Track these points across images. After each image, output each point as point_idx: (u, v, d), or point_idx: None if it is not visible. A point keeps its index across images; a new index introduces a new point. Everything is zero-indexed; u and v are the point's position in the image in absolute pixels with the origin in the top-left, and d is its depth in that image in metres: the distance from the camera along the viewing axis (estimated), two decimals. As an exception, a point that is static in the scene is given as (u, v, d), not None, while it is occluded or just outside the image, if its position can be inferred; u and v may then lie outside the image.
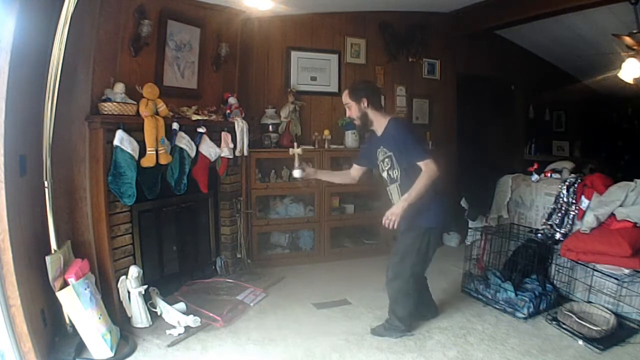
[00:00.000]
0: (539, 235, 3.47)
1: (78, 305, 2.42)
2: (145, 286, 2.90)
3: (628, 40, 3.80)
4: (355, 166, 3.02)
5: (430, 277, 3.06)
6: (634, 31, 3.75)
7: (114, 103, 2.82)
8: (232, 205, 3.94)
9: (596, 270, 3.03)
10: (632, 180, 3.16)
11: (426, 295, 3.04)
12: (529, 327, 2.93)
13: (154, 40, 3.22)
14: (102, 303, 2.60)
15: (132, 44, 3.07)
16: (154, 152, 2.96)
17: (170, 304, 2.94)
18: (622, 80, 4.24)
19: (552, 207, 3.51)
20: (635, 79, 4.14)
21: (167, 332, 2.77)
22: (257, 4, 3.51)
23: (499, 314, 3.14)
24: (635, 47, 3.83)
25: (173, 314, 2.86)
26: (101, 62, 2.84)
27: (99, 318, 2.50)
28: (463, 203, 4.37)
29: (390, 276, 2.77)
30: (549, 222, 3.48)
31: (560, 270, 3.35)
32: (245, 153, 3.86)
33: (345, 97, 2.76)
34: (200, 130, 3.43)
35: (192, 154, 3.33)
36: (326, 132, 4.39)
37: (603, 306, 2.95)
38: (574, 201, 3.37)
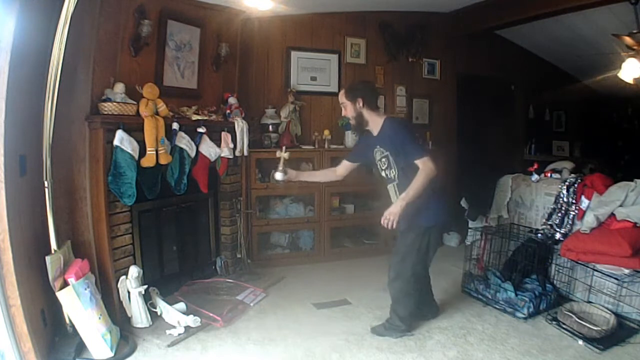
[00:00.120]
0: (539, 235, 3.47)
1: (78, 305, 2.42)
2: (145, 286, 2.90)
3: (628, 40, 3.80)
4: (345, 162, 2.98)
5: (430, 277, 3.06)
6: (634, 31, 3.75)
7: (114, 103, 2.82)
8: (232, 205, 3.94)
9: (596, 270, 3.03)
10: (632, 180, 3.16)
11: (428, 295, 3.04)
12: (529, 327, 2.93)
13: (154, 40, 3.22)
14: (102, 303, 2.60)
15: (132, 44, 3.07)
16: (154, 152, 2.96)
17: (170, 304, 2.94)
18: (622, 80, 4.23)
19: (552, 207, 3.51)
20: (635, 79, 4.14)
21: (167, 332, 2.77)
22: (257, 4, 3.51)
23: (499, 314, 3.14)
24: (635, 47, 3.83)
25: (173, 314, 2.86)
26: (101, 62, 2.84)
27: (99, 318, 2.50)
28: (463, 203, 4.37)
29: (392, 276, 2.77)
30: (549, 222, 3.48)
31: (560, 270, 3.35)
32: (245, 153, 3.86)
33: (341, 97, 2.76)
34: (200, 130, 3.43)
35: (192, 154, 3.33)
36: (326, 132, 4.40)
37: (603, 306, 2.95)
38: (574, 201, 3.37)
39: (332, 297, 3.44)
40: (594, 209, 3.18)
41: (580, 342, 2.68)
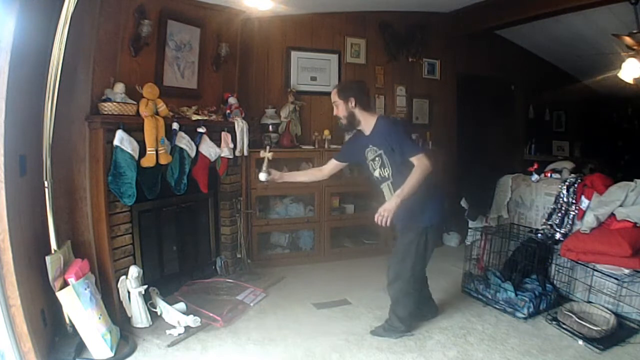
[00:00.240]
0: (539, 235, 3.47)
1: (78, 305, 2.42)
2: (145, 286, 2.90)
3: (628, 40, 3.80)
4: (333, 161, 2.96)
5: (430, 277, 3.06)
6: (634, 31, 3.75)
7: (114, 103, 2.82)
8: (232, 205, 3.94)
9: (596, 270, 3.03)
10: (632, 180, 3.16)
11: (426, 295, 3.04)
12: (529, 327, 2.93)
13: (154, 40, 3.22)
14: (102, 303, 2.60)
15: (132, 44, 3.07)
16: (154, 152, 2.96)
17: (170, 304, 2.94)
18: (622, 80, 4.23)
19: (552, 207, 3.51)
20: (635, 79, 4.14)
21: (167, 332, 2.77)
22: (257, 4, 3.51)
23: (499, 314, 3.14)
24: (635, 47, 3.83)
25: (173, 314, 2.86)
26: (101, 62, 2.84)
27: (99, 318, 2.50)
28: (463, 203, 4.37)
29: (391, 277, 2.76)
30: (549, 222, 3.48)
31: (560, 270, 3.35)
32: (245, 153, 3.86)
33: (333, 96, 2.73)
34: (200, 130, 3.43)
35: (192, 154, 3.33)
36: (326, 132, 4.40)
37: (603, 306, 2.95)
38: (574, 201, 3.37)
39: (332, 297, 3.44)
40: (594, 209, 3.18)
41: (580, 342, 2.68)
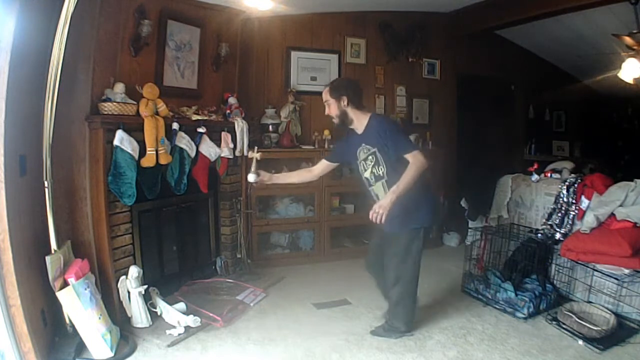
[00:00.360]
0: (539, 235, 3.47)
1: (78, 305, 2.42)
2: (145, 286, 2.90)
3: (628, 40, 3.81)
4: (324, 162, 2.91)
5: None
6: (634, 31, 3.75)
7: (114, 103, 2.82)
8: (232, 205, 3.94)
9: (596, 270, 3.03)
10: (632, 180, 3.16)
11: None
12: (529, 327, 2.93)
13: (154, 40, 3.22)
14: (102, 303, 2.60)
15: (132, 44, 3.07)
16: (154, 152, 2.96)
17: (170, 304, 2.94)
18: (622, 80, 4.24)
19: (552, 207, 3.51)
20: (635, 79, 4.15)
21: (167, 332, 2.77)
22: (257, 4, 3.51)
23: (499, 314, 3.14)
24: (635, 47, 3.83)
25: (173, 314, 2.86)
26: (101, 62, 2.84)
27: (99, 318, 2.50)
28: (463, 203, 4.37)
29: (392, 280, 2.72)
30: (549, 222, 3.48)
31: (560, 270, 3.35)
32: (245, 153, 3.85)
33: (325, 95, 2.70)
34: (200, 130, 3.43)
35: (192, 154, 3.33)
36: (326, 132, 4.39)
37: (603, 306, 2.95)
38: (574, 201, 3.37)
39: (332, 297, 3.44)
40: (594, 209, 3.18)
41: (580, 342, 2.68)
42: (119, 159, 2.81)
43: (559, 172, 3.80)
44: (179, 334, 2.75)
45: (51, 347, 2.43)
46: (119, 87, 2.90)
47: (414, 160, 2.46)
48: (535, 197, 3.75)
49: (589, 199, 3.27)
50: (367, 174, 2.70)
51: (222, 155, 3.62)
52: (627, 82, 4.25)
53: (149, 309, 2.91)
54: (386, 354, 2.62)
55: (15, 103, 2.13)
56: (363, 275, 3.91)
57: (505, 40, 5.69)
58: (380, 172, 2.63)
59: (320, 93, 4.69)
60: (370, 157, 2.65)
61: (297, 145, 4.34)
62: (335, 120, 2.71)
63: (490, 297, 3.27)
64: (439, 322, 3.01)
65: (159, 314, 2.93)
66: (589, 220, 3.12)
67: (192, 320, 2.81)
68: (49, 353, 2.37)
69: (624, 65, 4.07)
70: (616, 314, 2.84)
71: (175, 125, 3.18)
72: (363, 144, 2.67)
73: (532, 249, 3.30)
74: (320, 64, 4.68)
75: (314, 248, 4.40)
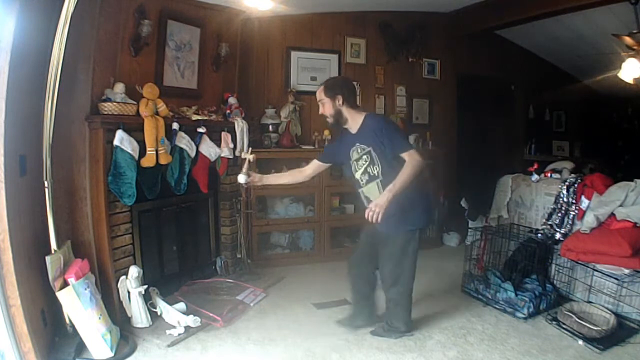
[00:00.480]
0: (539, 235, 3.47)
1: (78, 305, 2.42)
2: (145, 286, 2.89)
3: (628, 40, 3.81)
4: (315, 162, 2.86)
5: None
6: (634, 31, 3.75)
7: (114, 103, 2.82)
8: (232, 205, 3.94)
9: (596, 270, 3.03)
10: (632, 180, 3.16)
11: (371, 301, 2.93)
12: (529, 327, 2.93)
13: (154, 40, 3.22)
14: (102, 303, 2.60)
15: (132, 44, 3.07)
16: (154, 152, 2.96)
17: (170, 304, 2.94)
18: (622, 80, 4.24)
19: (552, 207, 3.51)
20: (635, 79, 4.15)
21: (167, 332, 2.77)
22: (257, 4, 3.51)
23: (499, 314, 3.14)
24: (635, 47, 3.83)
25: (173, 314, 2.86)
26: (101, 62, 2.84)
27: (99, 318, 2.50)
28: (463, 203, 4.37)
29: (389, 282, 2.69)
30: (549, 222, 3.48)
31: (560, 270, 3.35)
32: (245, 153, 3.85)
33: (320, 94, 2.64)
34: (200, 130, 3.43)
35: (192, 154, 3.33)
36: (326, 132, 4.39)
37: (603, 306, 2.95)
38: (574, 201, 3.37)
39: (332, 297, 3.44)
40: (594, 209, 3.18)
41: (580, 342, 2.68)
42: (119, 159, 2.81)
43: (559, 172, 3.80)
44: (179, 334, 2.75)
45: (51, 347, 2.43)
46: (119, 87, 2.90)
47: (411, 159, 2.45)
48: (535, 197, 3.75)
49: (589, 199, 3.27)
50: (358, 175, 2.66)
51: (222, 155, 3.62)
52: (627, 82, 4.25)
53: (149, 309, 2.91)
54: (386, 354, 2.62)
55: (15, 103, 2.13)
56: (363, 275, 3.93)
57: (505, 40, 5.69)
58: (375, 172, 2.58)
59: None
60: (364, 157, 2.60)
61: (297, 145, 4.34)
62: (330, 120, 2.66)
63: (490, 297, 3.27)
64: (439, 322, 3.01)
65: (159, 314, 2.93)
66: (589, 220, 3.12)
67: (192, 320, 2.81)
68: (49, 353, 2.37)
69: (624, 65, 4.07)
70: (616, 314, 2.84)
71: (175, 125, 3.18)
72: (357, 144, 2.63)
73: (532, 249, 3.30)
74: (320, 64, 4.68)
75: (314, 248, 4.40)
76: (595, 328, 2.70)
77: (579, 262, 3.13)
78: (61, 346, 2.46)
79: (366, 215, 2.38)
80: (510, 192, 3.95)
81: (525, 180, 3.92)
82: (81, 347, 2.49)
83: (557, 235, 3.38)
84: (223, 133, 3.66)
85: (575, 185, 3.41)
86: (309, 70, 4.63)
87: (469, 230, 4.14)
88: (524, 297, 3.09)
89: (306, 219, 4.34)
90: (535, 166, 3.90)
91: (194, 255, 3.74)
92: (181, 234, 3.58)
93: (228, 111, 3.80)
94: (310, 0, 4.21)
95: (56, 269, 2.39)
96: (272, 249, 4.37)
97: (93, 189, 2.79)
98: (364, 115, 2.65)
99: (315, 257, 4.35)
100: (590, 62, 5.52)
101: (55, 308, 2.49)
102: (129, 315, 2.87)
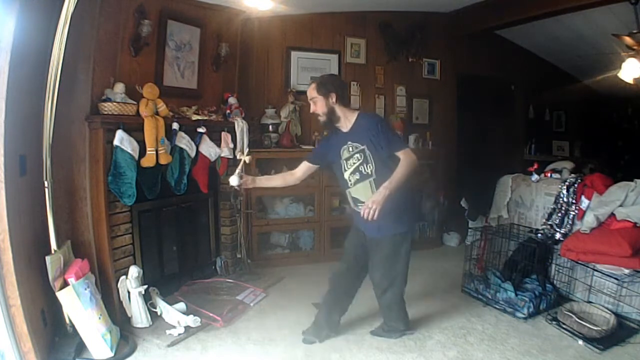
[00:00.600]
0: (539, 235, 3.47)
1: (78, 305, 2.42)
2: (145, 286, 2.89)
3: (628, 40, 3.81)
4: (305, 164, 2.77)
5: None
6: (634, 31, 3.75)
7: (114, 103, 2.82)
8: (232, 205, 3.94)
9: (596, 270, 3.03)
10: (632, 180, 3.16)
11: (343, 306, 2.86)
12: (529, 327, 2.93)
13: (154, 40, 3.22)
14: (102, 303, 2.60)
15: (132, 44, 3.07)
16: (154, 152, 2.96)
17: (170, 304, 2.94)
18: (622, 80, 4.24)
19: (552, 207, 3.51)
20: (635, 79, 4.15)
21: (167, 332, 2.77)
22: (257, 4, 3.51)
23: (499, 314, 3.14)
24: (635, 47, 3.83)
25: (173, 314, 2.86)
26: (101, 62, 2.84)
27: (99, 318, 2.50)
28: (463, 203, 4.37)
29: (384, 285, 2.66)
30: (549, 222, 3.48)
31: (560, 270, 3.35)
32: (245, 153, 3.84)
33: (312, 92, 2.56)
34: (200, 130, 3.43)
35: (192, 154, 3.34)
36: (326, 132, 4.38)
37: (603, 306, 2.95)
38: (574, 201, 3.37)
39: (332, 297, 3.44)
40: (594, 209, 3.18)
41: (580, 342, 2.69)
42: (119, 159, 2.81)
43: (559, 172, 3.80)
44: (179, 334, 2.75)
45: (51, 347, 2.43)
46: (119, 87, 2.90)
47: (406, 157, 2.43)
48: (535, 197, 3.75)
49: (589, 199, 3.27)
50: (347, 174, 2.59)
51: (222, 155, 3.62)
52: (627, 82, 4.25)
53: (149, 309, 2.91)
54: (386, 354, 2.62)
55: (15, 103, 2.13)
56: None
57: (505, 40, 5.69)
58: (369, 170, 2.52)
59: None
60: (356, 156, 2.54)
61: (297, 145, 4.34)
62: (322, 118, 2.58)
63: (490, 297, 3.27)
64: (439, 322, 3.01)
65: (159, 314, 2.93)
66: (589, 220, 3.12)
67: (192, 320, 2.81)
68: (49, 353, 2.37)
69: (624, 65, 4.07)
70: (616, 314, 2.84)
71: (175, 125, 3.18)
72: (349, 142, 2.56)
73: (532, 249, 3.30)
74: (320, 64, 4.67)
75: (314, 248, 4.40)
76: (595, 328, 2.70)
77: (579, 262, 3.13)
78: (61, 346, 2.46)
79: (362, 213, 2.34)
80: (510, 192, 3.95)
81: (525, 180, 3.92)
82: (81, 347, 2.49)
83: (557, 235, 3.38)
84: (223, 133, 3.66)
85: (575, 185, 3.41)
86: (309, 70, 4.62)
87: (469, 230, 4.14)
88: (524, 297, 3.09)
89: (306, 219, 4.34)
90: (535, 166, 3.90)
91: (194, 255, 3.74)
92: (181, 234, 3.58)
93: (228, 111, 3.80)
94: (310, 0, 4.21)
95: (56, 269, 2.39)
96: (272, 249, 4.37)
97: (93, 189, 2.79)
98: (357, 114, 2.61)
99: (315, 257, 4.35)
100: (590, 62, 5.52)
101: (55, 308, 2.49)
102: (129, 315, 2.87)
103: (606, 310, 2.89)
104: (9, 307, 2.11)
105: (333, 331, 2.82)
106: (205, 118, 3.49)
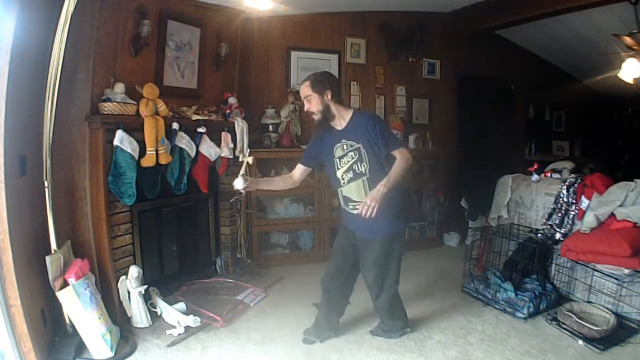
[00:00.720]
0: (539, 235, 3.47)
1: (78, 305, 2.42)
2: (145, 286, 2.90)
3: (628, 40, 3.80)
4: (300, 167, 2.73)
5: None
6: (634, 31, 3.75)
7: (114, 103, 2.82)
8: (232, 205, 3.94)
9: (596, 270, 3.04)
10: (632, 180, 3.16)
11: (339, 308, 2.84)
12: (529, 327, 2.94)
13: (154, 40, 3.22)
14: (102, 303, 2.60)
15: (132, 44, 3.07)
16: (154, 152, 2.96)
17: (170, 304, 2.94)
18: (622, 80, 4.23)
19: (552, 207, 3.51)
20: (635, 79, 4.14)
21: (167, 332, 2.77)
22: (257, 4, 3.52)
23: (499, 314, 3.14)
24: (635, 47, 3.83)
25: (173, 314, 2.86)
26: (101, 62, 2.84)
27: (99, 318, 2.50)
28: (463, 203, 4.37)
29: (377, 290, 2.64)
30: (549, 222, 3.48)
31: (560, 270, 3.35)
32: (245, 153, 3.85)
33: (306, 89, 2.50)
34: (200, 130, 3.43)
35: (192, 153, 3.34)
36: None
37: (603, 306, 2.95)
38: (574, 201, 3.37)
39: (332, 297, 3.44)
40: (594, 209, 3.18)
41: (580, 342, 2.69)
42: (119, 159, 2.81)
43: (559, 172, 3.80)
44: (179, 334, 2.75)
45: (51, 347, 2.43)
46: (119, 87, 2.90)
47: (402, 156, 2.44)
48: (535, 197, 3.75)
49: (589, 199, 3.27)
50: (340, 173, 2.55)
51: (222, 155, 3.62)
52: (627, 82, 4.25)
53: (149, 309, 2.91)
54: (386, 354, 2.62)
55: (15, 103, 2.13)
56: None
57: (505, 40, 5.69)
58: (363, 169, 2.49)
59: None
60: (351, 154, 2.50)
61: (297, 145, 4.34)
62: (317, 117, 2.52)
63: (490, 297, 3.27)
64: (439, 322, 3.01)
65: (159, 314, 2.93)
66: (589, 220, 3.12)
67: (192, 320, 2.81)
68: (49, 353, 2.37)
69: (624, 65, 4.06)
70: (616, 314, 2.85)
71: (175, 125, 3.18)
72: (343, 140, 2.52)
73: (532, 249, 3.30)
74: (321, 64, 4.66)
75: (314, 248, 4.40)
76: (595, 328, 2.70)
77: (579, 262, 3.13)
78: (61, 346, 2.46)
79: (360, 210, 2.31)
80: (510, 192, 3.95)
81: (525, 180, 3.92)
82: (81, 347, 2.49)
83: (557, 235, 3.38)
84: (223, 133, 3.65)
85: (575, 185, 3.41)
86: (309, 70, 4.60)
87: (469, 230, 4.15)
88: (524, 297, 3.09)
89: (306, 219, 4.34)
90: (535, 166, 3.89)
91: (194, 255, 3.74)
92: (181, 234, 3.58)
93: (228, 111, 3.80)
94: (310, 0, 4.21)
95: (56, 269, 2.40)
96: (272, 249, 4.37)
97: (93, 189, 2.79)
98: (352, 112, 2.57)
99: (315, 257, 4.34)
100: (590, 62, 5.51)
101: (55, 308, 2.49)
102: (129, 315, 2.87)
103: (606, 310, 2.89)
104: (9, 307, 2.11)
105: (333, 332, 2.82)
106: (205, 118, 3.49)
